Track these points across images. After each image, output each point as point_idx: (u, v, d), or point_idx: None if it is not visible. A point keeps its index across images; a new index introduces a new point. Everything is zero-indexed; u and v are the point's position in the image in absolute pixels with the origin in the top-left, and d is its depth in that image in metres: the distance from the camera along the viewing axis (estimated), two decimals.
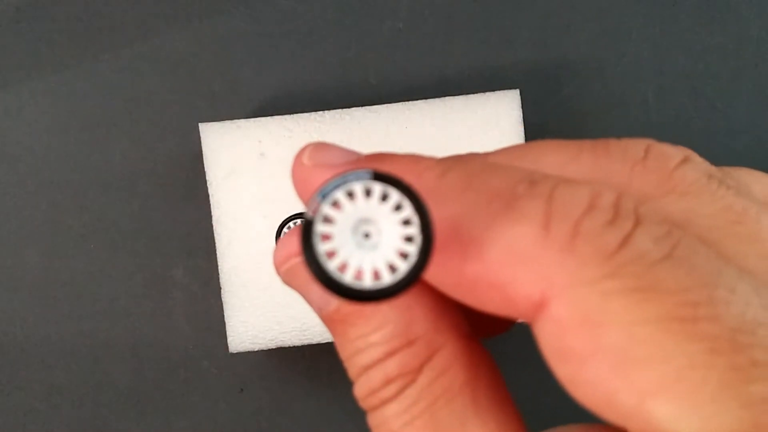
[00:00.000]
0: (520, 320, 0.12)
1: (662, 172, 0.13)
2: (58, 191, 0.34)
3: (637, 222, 0.11)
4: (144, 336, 0.34)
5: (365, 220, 0.12)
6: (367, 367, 0.14)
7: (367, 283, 0.11)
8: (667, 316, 0.10)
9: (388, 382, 0.13)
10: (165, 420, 0.34)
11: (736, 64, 0.34)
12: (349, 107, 0.31)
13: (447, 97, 0.30)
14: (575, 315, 0.11)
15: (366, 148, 0.30)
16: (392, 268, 0.11)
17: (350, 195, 0.12)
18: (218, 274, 0.31)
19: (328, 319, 0.14)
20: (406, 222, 0.11)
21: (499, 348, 0.32)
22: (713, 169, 0.13)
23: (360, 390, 0.14)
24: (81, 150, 0.34)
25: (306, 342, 0.30)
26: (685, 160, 0.13)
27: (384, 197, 0.11)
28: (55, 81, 0.34)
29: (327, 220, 0.12)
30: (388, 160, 0.14)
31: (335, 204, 0.12)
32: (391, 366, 0.13)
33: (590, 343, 0.11)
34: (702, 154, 0.14)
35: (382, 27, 0.34)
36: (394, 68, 0.34)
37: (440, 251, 0.12)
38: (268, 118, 0.30)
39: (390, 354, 0.13)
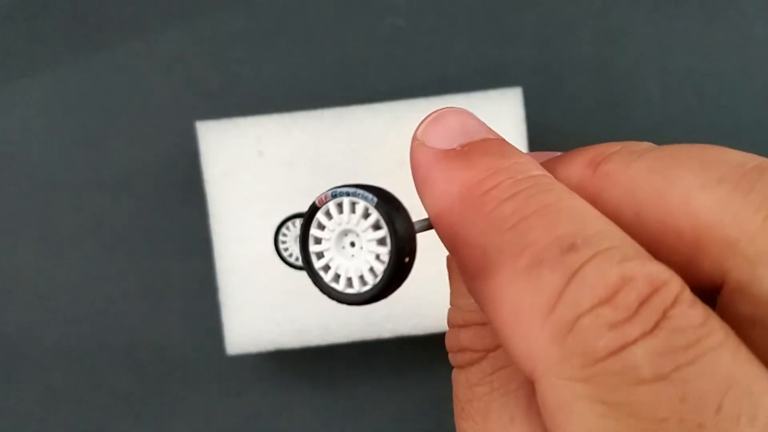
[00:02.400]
0: None
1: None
2: (53, 191, 0.34)
3: (654, 326, 0.10)
4: (140, 338, 0.34)
5: (350, 232, 0.13)
6: (451, 325, 0.15)
7: (341, 287, 0.13)
8: None
9: (460, 349, 0.14)
10: (161, 423, 0.34)
11: (740, 61, 0.34)
12: (348, 105, 0.30)
13: (448, 95, 0.30)
14: (551, 400, 0.11)
15: (365, 147, 0.30)
16: (364, 280, 0.13)
17: (339, 207, 0.13)
18: (215, 274, 0.30)
19: (448, 266, 0.15)
20: (382, 241, 0.13)
21: None
22: None
23: (446, 341, 0.15)
24: (76, 149, 0.34)
25: (305, 344, 0.30)
26: None
27: (366, 215, 0.13)
28: (50, 79, 0.34)
29: (320, 226, 0.13)
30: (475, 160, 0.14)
31: (327, 213, 0.13)
32: (464, 336, 0.14)
33: (559, 429, 0.11)
34: None
35: (382, 24, 0.34)
36: (395, 66, 0.34)
37: (469, 283, 0.12)
38: (267, 116, 0.30)
39: (466, 324, 0.14)
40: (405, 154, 0.30)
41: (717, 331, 0.10)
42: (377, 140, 0.30)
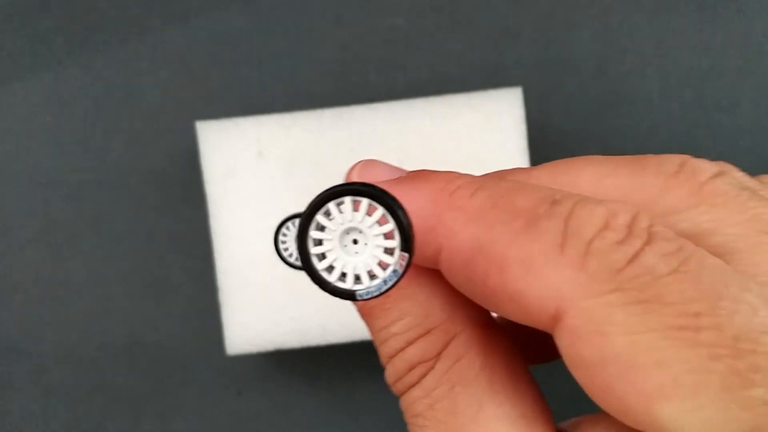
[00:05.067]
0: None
1: (694, 185, 0.14)
2: (53, 191, 0.34)
3: (649, 240, 0.12)
4: (140, 337, 0.34)
5: (354, 229, 0.13)
6: (392, 356, 0.15)
7: (348, 284, 0.13)
8: (669, 325, 0.11)
9: (410, 368, 0.14)
10: (161, 423, 0.34)
11: (740, 62, 0.34)
12: (348, 105, 0.30)
13: (448, 95, 0.30)
14: (585, 327, 0.12)
15: (365, 147, 0.30)
16: (372, 275, 0.13)
17: (340, 206, 0.13)
18: (215, 274, 0.30)
19: (360, 312, 0.16)
20: (389, 234, 0.13)
21: None
22: (750, 181, 0.14)
23: (388, 376, 0.15)
24: (76, 149, 0.34)
25: (305, 344, 0.30)
26: (719, 174, 0.14)
27: (372, 209, 0.13)
28: (51, 79, 0.34)
29: (319, 227, 0.13)
30: (425, 178, 0.15)
31: (327, 213, 0.13)
32: (412, 353, 0.14)
33: (599, 353, 0.12)
34: (706, 153, 0.14)
35: (382, 24, 0.34)
36: (395, 66, 0.34)
37: (466, 264, 0.13)
38: (267, 116, 0.30)
39: (409, 342, 0.14)
40: (405, 154, 0.30)
41: (686, 239, 0.12)
42: (377, 140, 0.30)
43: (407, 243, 0.13)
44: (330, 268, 0.13)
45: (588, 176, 0.15)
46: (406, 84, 0.34)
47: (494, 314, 0.18)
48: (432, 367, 0.14)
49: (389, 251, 0.13)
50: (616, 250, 0.12)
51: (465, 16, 0.34)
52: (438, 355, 0.14)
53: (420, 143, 0.30)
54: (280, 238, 0.29)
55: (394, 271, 0.13)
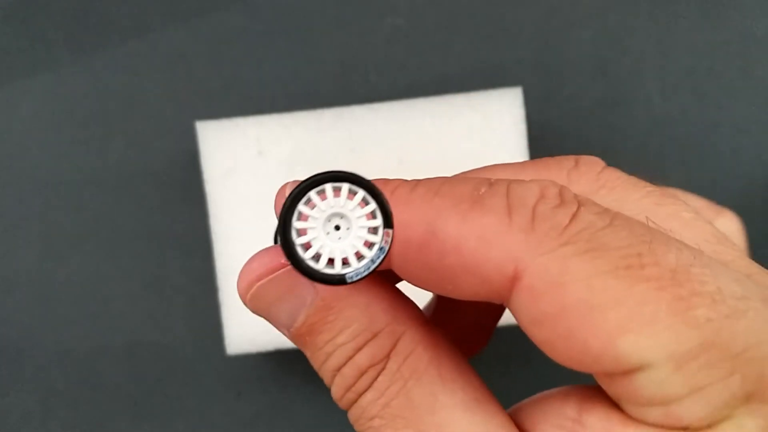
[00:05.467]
0: (496, 302, 0.14)
1: (592, 174, 0.16)
2: (53, 191, 0.34)
3: (580, 204, 0.14)
4: (140, 338, 0.34)
5: (336, 215, 0.14)
6: (340, 367, 0.15)
7: (338, 269, 0.13)
8: (617, 266, 0.13)
9: (361, 374, 0.15)
10: (161, 423, 0.34)
11: (740, 61, 0.34)
12: (348, 105, 0.30)
13: (448, 95, 0.30)
14: (543, 280, 0.13)
15: (365, 146, 0.30)
16: (359, 256, 0.14)
17: (321, 194, 0.14)
18: (215, 274, 0.30)
19: (297, 335, 0.16)
20: (371, 215, 0.13)
21: (501, 349, 0.32)
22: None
23: (337, 390, 0.16)
24: (76, 149, 0.34)
25: None
26: (606, 165, 0.16)
27: (351, 195, 0.14)
28: (50, 79, 0.34)
29: (302, 216, 0.14)
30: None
31: (308, 202, 0.14)
32: (361, 359, 0.15)
33: (559, 302, 0.13)
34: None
35: (382, 23, 0.34)
36: (394, 65, 0.34)
37: (421, 250, 0.14)
38: (267, 116, 0.30)
39: (358, 349, 0.15)
40: (405, 154, 0.30)
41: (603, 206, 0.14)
42: (377, 140, 0.30)
43: (389, 220, 0.13)
44: (316, 257, 0.14)
45: (501, 175, 0.16)
46: (406, 84, 0.34)
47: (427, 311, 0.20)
48: (383, 368, 0.15)
49: (373, 230, 0.14)
50: (557, 213, 0.13)
51: (465, 16, 0.34)
52: (387, 356, 0.15)
53: (420, 143, 0.30)
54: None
55: (381, 248, 0.13)
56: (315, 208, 0.14)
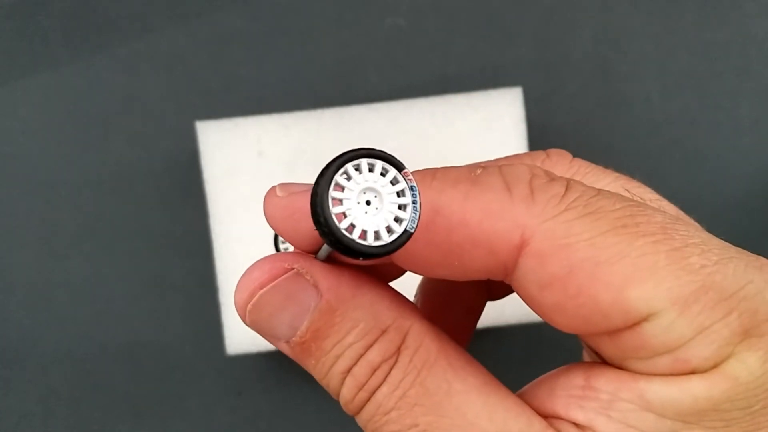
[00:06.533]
0: (498, 278, 0.15)
1: (564, 163, 0.18)
2: (53, 191, 0.34)
3: (568, 182, 0.15)
4: (140, 338, 0.34)
5: (369, 189, 0.14)
6: (350, 367, 0.15)
7: (370, 241, 0.14)
8: (616, 225, 0.14)
9: (373, 370, 0.15)
10: (161, 423, 0.34)
11: (740, 62, 0.34)
12: (348, 105, 0.30)
13: (448, 95, 0.30)
14: (551, 243, 0.14)
15: (365, 146, 0.30)
16: (389, 230, 0.14)
17: (357, 168, 0.14)
18: (215, 274, 0.30)
19: (300, 344, 0.16)
20: (400, 193, 0.14)
21: (500, 348, 0.32)
22: None
23: (348, 392, 0.16)
24: (76, 149, 0.34)
25: None
26: (573, 157, 0.18)
27: (383, 173, 0.14)
28: (50, 79, 0.34)
29: (338, 187, 0.14)
30: None
31: (345, 174, 0.14)
32: (373, 355, 0.15)
33: (567, 262, 0.14)
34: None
35: (382, 24, 0.34)
36: (395, 66, 0.34)
37: (427, 228, 0.15)
38: (267, 116, 0.30)
39: (368, 346, 0.15)
40: (405, 154, 0.30)
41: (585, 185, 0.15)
42: (377, 140, 0.30)
43: (418, 198, 0.14)
44: (349, 229, 0.14)
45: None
46: (406, 84, 0.34)
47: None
48: (396, 361, 0.15)
49: (402, 207, 0.14)
50: (552, 185, 0.15)
51: (465, 16, 0.34)
52: (398, 350, 0.15)
53: (420, 143, 0.30)
54: (280, 237, 0.29)
55: (412, 221, 0.14)
56: (351, 180, 0.14)
